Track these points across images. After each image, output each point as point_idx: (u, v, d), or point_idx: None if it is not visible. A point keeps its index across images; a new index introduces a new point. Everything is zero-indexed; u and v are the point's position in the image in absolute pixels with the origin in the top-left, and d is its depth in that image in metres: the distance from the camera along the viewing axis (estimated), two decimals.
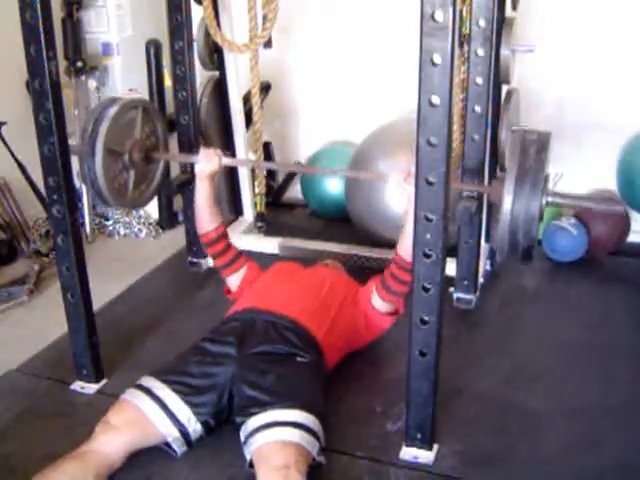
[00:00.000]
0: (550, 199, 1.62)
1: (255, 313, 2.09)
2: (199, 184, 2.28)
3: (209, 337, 2.04)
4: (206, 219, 2.30)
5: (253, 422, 1.72)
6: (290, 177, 3.87)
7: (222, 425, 1.87)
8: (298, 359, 1.94)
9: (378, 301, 2.19)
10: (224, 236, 2.34)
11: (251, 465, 1.68)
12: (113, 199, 2.13)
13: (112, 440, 1.73)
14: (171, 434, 1.79)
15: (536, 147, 1.60)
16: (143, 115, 2.25)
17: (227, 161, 2.36)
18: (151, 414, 1.78)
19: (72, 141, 2.08)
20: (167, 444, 1.81)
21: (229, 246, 2.35)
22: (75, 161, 2.04)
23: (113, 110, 2.10)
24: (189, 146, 2.88)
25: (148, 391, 1.82)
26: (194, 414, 1.81)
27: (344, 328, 2.17)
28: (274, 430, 1.68)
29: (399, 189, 2.03)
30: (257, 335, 1.98)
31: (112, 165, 2.12)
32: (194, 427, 1.81)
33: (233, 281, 2.35)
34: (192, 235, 2.96)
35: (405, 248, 2.00)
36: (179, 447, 1.81)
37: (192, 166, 2.88)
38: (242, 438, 1.74)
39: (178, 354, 2.01)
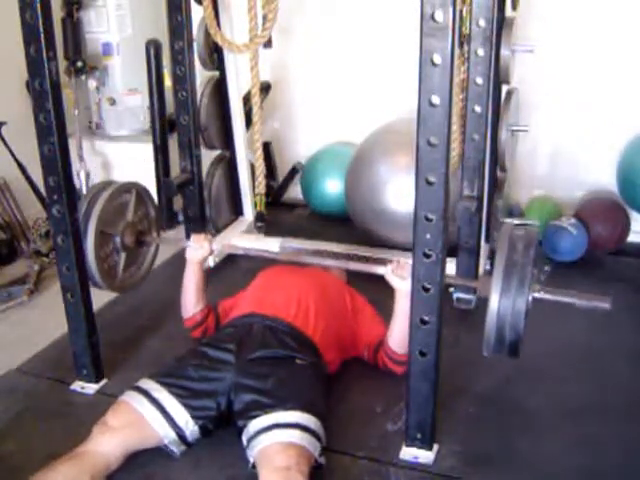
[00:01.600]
0: (537, 295, 1.64)
1: (252, 318, 2.09)
2: (189, 268, 2.26)
3: (208, 342, 2.04)
4: (193, 303, 2.28)
5: (254, 425, 1.72)
6: (290, 177, 3.87)
7: (220, 429, 1.87)
8: (297, 361, 1.94)
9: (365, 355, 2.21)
10: (208, 314, 2.31)
11: (254, 467, 1.68)
12: (103, 280, 2.15)
13: (109, 441, 1.73)
14: (168, 436, 1.79)
15: (524, 243, 1.63)
16: (136, 198, 2.28)
17: (217, 246, 2.34)
18: (148, 416, 1.78)
19: (72, 141, 2.08)
20: (165, 445, 1.81)
21: (210, 319, 2.32)
22: (75, 161, 2.04)
23: (107, 193, 2.13)
24: (189, 146, 2.88)
25: (146, 393, 1.82)
26: (192, 417, 1.81)
27: (341, 330, 2.17)
28: (275, 432, 1.68)
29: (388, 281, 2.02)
30: (254, 340, 1.98)
31: (103, 246, 2.14)
32: (191, 430, 1.81)
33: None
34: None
35: (395, 340, 2.04)
36: (177, 448, 1.81)
37: (192, 166, 2.90)
38: (244, 441, 1.74)
39: (177, 357, 2.01)
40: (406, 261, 1.93)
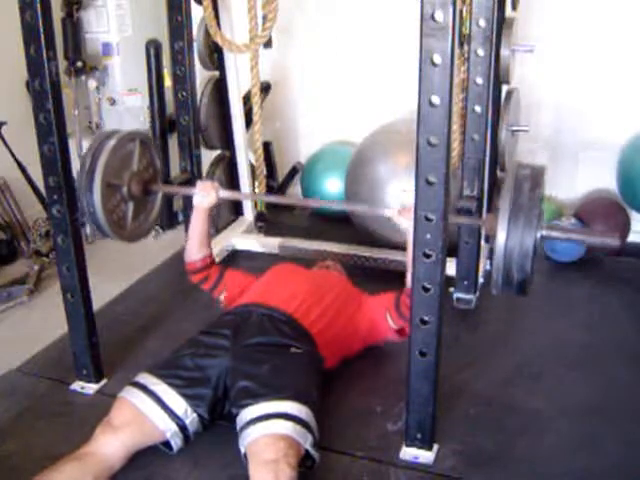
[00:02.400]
0: (545, 233, 1.62)
1: (251, 307, 2.10)
2: (195, 215, 2.30)
3: (204, 330, 2.06)
4: (195, 249, 2.32)
5: (245, 414, 1.72)
6: (290, 177, 3.87)
7: (219, 419, 1.87)
8: (292, 350, 1.94)
9: (390, 321, 2.19)
10: (209, 265, 2.35)
11: (247, 459, 1.68)
12: (112, 231, 2.14)
13: (111, 441, 1.73)
14: (170, 429, 1.79)
15: (530, 181, 1.61)
16: (141, 147, 2.27)
17: (225, 194, 2.37)
18: (148, 412, 1.78)
19: (72, 141, 2.08)
20: (165, 442, 1.81)
21: (211, 272, 2.35)
22: (75, 161, 2.04)
23: (111, 143, 2.12)
24: (189, 146, 2.88)
25: (144, 387, 1.83)
26: (190, 406, 1.82)
27: (341, 329, 2.17)
28: (265, 423, 1.68)
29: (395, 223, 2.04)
30: (251, 327, 2.00)
31: (111, 198, 2.14)
32: (191, 419, 1.82)
33: (220, 297, 2.36)
34: None
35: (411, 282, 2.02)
36: (177, 442, 1.81)
37: (192, 166, 2.90)
38: (238, 430, 1.74)
39: (175, 349, 2.02)
40: (411, 204, 1.94)
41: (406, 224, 1.98)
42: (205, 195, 2.25)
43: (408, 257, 2.01)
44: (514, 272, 1.59)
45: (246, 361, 1.88)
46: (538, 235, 1.58)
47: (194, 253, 2.33)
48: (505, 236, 1.56)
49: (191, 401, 1.82)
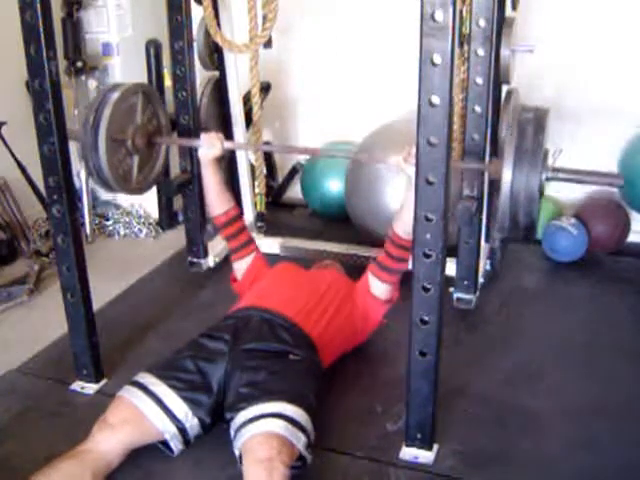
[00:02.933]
0: (550, 174, 1.61)
1: (252, 311, 2.10)
2: (203, 170, 2.30)
3: (206, 333, 2.05)
4: (214, 204, 2.33)
5: (240, 417, 1.72)
6: (290, 177, 3.87)
7: (219, 422, 1.87)
8: (291, 357, 1.94)
9: (376, 285, 2.20)
10: (234, 220, 2.36)
11: (242, 462, 1.68)
12: (119, 185, 2.15)
13: (109, 439, 1.73)
14: (169, 431, 1.79)
15: (534, 123, 1.59)
16: (144, 100, 2.26)
17: (229, 145, 2.37)
18: (148, 411, 1.78)
19: (72, 141, 2.08)
20: (164, 443, 1.81)
21: (240, 231, 2.37)
22: (75, 161, 2.04)
23: (114, 96, 2.10)
24: (185, 146, 2.87)
25: (144, 388, 1.82)
26: (191, 409, 1.81)
27: (341, 328, 2.17)
28: (258, 422, 1.68)
29: (400, 170, 2.02)
30: (250, 332, 1.99)
31: (116, 152, 2.13)
32: (191, 423, 1.81)
33: (239, 267, 2.38)
34: (192, 235, 2.96)
35: (404, 224, 2.00)
36: (176, 445, 1.81)
37: (192, 166, 2.89)
38: (232, 434, 1.74)
39: (175, 350, 2.02)
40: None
41: (411, 170, 1.93)
42: (210, 146, 2.25)
43: (407, 199, 1.97)
44: (520, 215, 1.58)
45: (243, 367, 1.87)
46: (543, 177, 1.57)
47: (215, 208, 2.33)
48: (511, 178, 1.55)
49: (192, 405, 1.82)
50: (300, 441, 1.68)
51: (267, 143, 3.63)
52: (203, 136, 2.29)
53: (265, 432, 1.65)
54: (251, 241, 2.41)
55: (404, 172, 2.00)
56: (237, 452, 1.70)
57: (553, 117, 3.37)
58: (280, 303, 2.11)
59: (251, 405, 1.73)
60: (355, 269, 2.74)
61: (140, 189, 2.31)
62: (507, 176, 1.56)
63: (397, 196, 2.83)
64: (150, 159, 2.34)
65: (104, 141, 2.05)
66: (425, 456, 1.83)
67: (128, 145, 2.19)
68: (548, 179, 1.60)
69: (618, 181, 1.64)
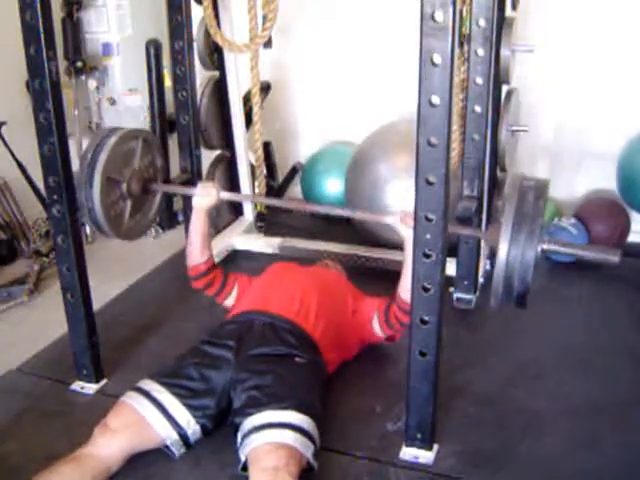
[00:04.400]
0: (546, 247, 1.63)
1: (253, 315, 2.09)
2: (195, 217, 2.26)
3: (208, 340, 2.04)
4: (197, 252, 2.28)
5: (248, 423, 1.72)
6: (290, 177, 3.87)
7: (220, 429, 1.87)
8: (297, 359, 1.94)
9: (377, 327, 2.20)
10: (213, 267, 2.32)
11: (243, 468, 1.68)
12: (109, 227, 2.14)
13: (110, 443, 1.73)
14: (170, 437, 1.79)
15: (533, 194, 1.61)
16: (143, 145, 2.27)
17: (225, 195, 2.34)
18: (150, 417, 1.78)
19: (72, 141, 2.09)
20: (165, 446, 1.81)
21: (216, 274, 2.33)
22: (75, 161, 2.04)
23: (113, 139, 2.12)
24: (189, 146, 2.88)
25: (147, 394, 1.82)
26: (193, 417, 1.81)
27: (342, 329, 2.17)
28: (267, 432, 1.68)
29: (397, 230, 2.02)
30: (255, 337, 1.99)
31: (110, 193, 2.13)
32: (193, 429, 1.81)
33: (229, 302, 2.34)
34: None
35: (405, 290, 2.01)
36: (177, 449, 1.81)
37: (192, 166, 2.90)
38: (238, 439, 1.74)
39: (177, 356, 2.01)
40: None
41: (406, 232, 1.96)
42: (205, 196, 2.23)
43: (405, 265, 2.00)
44: (514, 286, 1.60)
45: (250, 372, 1.86)
46: (539, 248, 1.59)
47: (197, 256, 2.28)
48: (507, 250, 1.58)
49: (194, 412, 1.82)
50: (309, 450, 1.69)
51: (267, 143, 3.63)
52: (200, 185, 2.27)
53: (273, 442, 1.65)
54: (227, 275, 2.35)
55: (400, 233, 2.00)
56: (243, 457, 1.69)
57: (553, 116, 3.38)
58: (279, 304, 2.10)
59: (259, 411, 1.72)
60: (355, 269, 2.74)
61: (130, 234, 2.30)
62: (504, 247, 1.58)
63: (397, 196, 2.84)
64: (143, 206, 2.35)
65: (100, 178, 2.05)
66: (425, 456, 1.82)
67: (123, 188, 2.19)
68: (544, 251, 1.62)
69: (613, 258, 1.66)
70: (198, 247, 2.27)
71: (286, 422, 1.69)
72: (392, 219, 2.02)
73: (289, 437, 1.66)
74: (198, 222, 2.26)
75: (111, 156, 2.09)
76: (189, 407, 1.81)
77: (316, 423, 1.75)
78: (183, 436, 1.80)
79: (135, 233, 2.34)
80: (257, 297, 2.21)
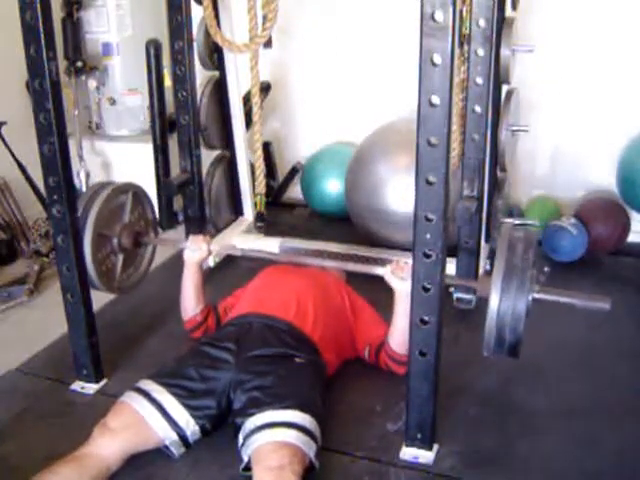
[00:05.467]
0: (537, 296, 1.64)
1: (251, 317, 2.09)
2: (187, 271, 2.27)
3: (208, 341, 2.04)
4: (192, 305, 2.29)
5: (251, 423, 1.72)
6: (290, 177, 3.87)
7: (220, 429, 1.87)
8: (296, 360, 1.94)
9: (367, 357, 2.20)
10: (207, 313, 2.32)
11: (245, 469, 1.68)
12: (101, 282, 2.15)
13: (109, 444, 1.73)
14: (169, 437, 1.79)
15: (523, 244, 1.63)
16: (133, 199, 2.28)
17: (216, 248, 2.34)
18: (149, 418, 1.78)
19: (72, 141, 2.09)
20: (165, 446, 1.81)
21: (210, 318, 2.33)
22: (75, 161, 2.04)
23: (103, 195, 2.13)
24: (189, 146, 2.88)
25: (147, 394, 1.82)
26: (192, 417, 1.81)
27: (341, 330, 2.17)
28: (271, 431, 1.68)
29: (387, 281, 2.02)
30: (254, 339, 1.99)
31: (101, 248, 2.15)
32: (192, 430, 1.81)
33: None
34: (192, 235, 2.95)
35: (395, 341, 2.04)
36: (177, 449, 1.81)
37: (192, 166, 2.90)
38: (240, 440, 1.74)
39: (177, 357, 2.01)
40: (405, 261, 1.93)
41: (397, 284, 1.96)
42: (196, 249, 2.23)
43: (395, 317, 2.01)
44: (506, 335, 1.62)
45: (251, 373, 1.87)
46: (530, 297, 1.60)
47: (192, 309, 2.29)
48: (498, 301, 1.60)
49: (194, 412, 1.82)
50: (312, 449, 1.69)
51: (267, 143, 3.63)
52: (191, 238, 2.28)
53: (277, 441, 1.65)
54: (218, 313, 2.34)
55: (390, 285, 1.99)
56: (245, 457, 1.69)
57: (553, 116, 3.38)
58: (277, 307, 2.10)
59: (261, 411, 1.73)
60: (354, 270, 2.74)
61: (122, 289, 2.31)
62: (495, 299, 1.60)
63: (397, 196, 2.84)
64: (135, 259, 2.36)
65: (90, 234, 2.06)
66: (425, 456, 1.83)
67: (114, 242, 2.20)
68: (535, 300, 1.63)
69: (605, 305, 1.68)
70: (192, 301, 2.28)
71: (289, 421, 1.70)
72: (383, 270, 2.02)
73: (292, 436, 1.66)
74: (190, 275, 2.27)
75: (101, 212, 2.11)
76: (188, 407, 1.81)
77: (318, 422, 1.75)
78: (182, 437, 1.80)
79: (128, 287, 2.35)
80: (254, 299, 2.21)
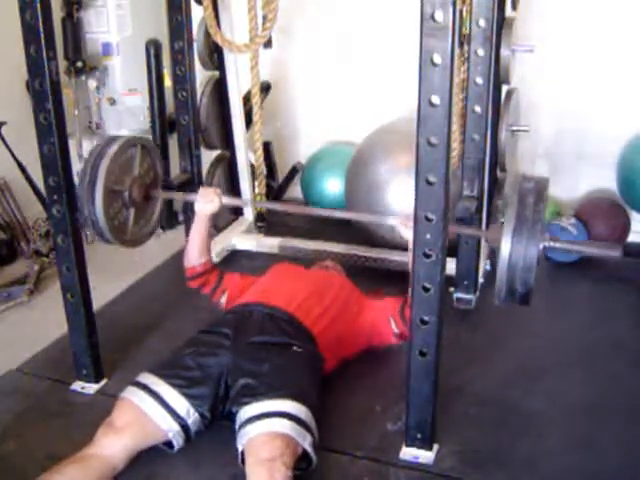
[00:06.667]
0: (548, 244, 1.63)
1: (252, 306, 2.10)
2: (197, 222, 2.28)
3: (205, 329, 2.06)
4: (196, 255, 2.30)
5: (245, 412, 1.73)
6: (290, 177, 3.87)
7: (220, 417, 1.87)
8: (294, 348, 1.94)
9: (393, 326, 2.18)
10: (209, 269, 2.34)
11: (243, 461, 1.68)
12: (114, 236, 2.14)
13: (114, 443, 1.73)
14: (171, 429, 1.79)
15: (534, 193, 1.62)
16: (142, 152, 2.27)
17: (227, 200, 2.35)
18: (150, 411, 1.78)
19: (72, 141, 2.08)
20: (166, 441, 1.81)
21: (211, 275, 2.34)
22: (75, 161, 2.04)
23: (112, 150, 2.12)
24: (189, 146, 2.88)
25: (146, 387, 1.83)
26: (192, 406, 1.82)
27: (343, 330, 2.17)
28: (264, 422, 1.68)
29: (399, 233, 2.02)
30: (253, 326, 2.00)
31: (112, 205, 2.14)
32: (193, 419, 1.82)
33: (222, 300, 2.35)
34: None
35: None
36: (178, 441, 1.81)
37: (192, 166, 2.90)
38: (236, 428, 1.74)
39: (175, 348, 2.02)
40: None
41: (409, 234, 1.95)
42: (207, 202, 2.24)
43: (411, 266, 2.00)
44: (517, 284, 1.60)
45: (247, 359, 1.88)
46: (541, 246, 1.59)
47: (195, 259, 2.31)
48: (509, 249, 1.57)
49: (193, 401, 1.82)
50: (306, 440, 1.69)
51: (267, 143, 3.63)
52: (201, 191, 2.28)
53: (269, 432, 1.66)
54: (221, 277, 2.36)
55: (402, 236, 2.00)
56: (240, 447, 1.70)
57: (553, 116, 3.38)
58: (280, 298, 2.11)
59: (256, 400, 1.73)
60: (355, 269, 2.74)
61: (135, 241, 2.31)
62: (506, 246, 1.58)
63: (397, 196, 2.84)
64: (146, 212, 2.35)
65: (101, 191, 2.05)
66: (425, 456, 1.83)
67: (125, 197, 2.20)
68: (546, 248, 1.62)
69: (615, 253, 1.66)
70: (197, 250, 2.30)
71: (282, 411, 1.70)
72: (395, 221, 2.03)
73: (285, 426, 1.67)
74: (200, 228, 2.28)
75: (111, 168, 2.09)
76: (187, 396, 1.82)
77: (313, 413, 1.75)
78: (184, 426, 1.80)
79: (140, 239, 2.35)
80: (258, 291, 2.22)
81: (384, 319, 2.18)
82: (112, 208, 2.14)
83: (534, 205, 1.61)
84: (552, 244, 1.64)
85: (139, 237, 2.33)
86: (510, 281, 1.60)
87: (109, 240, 2.15)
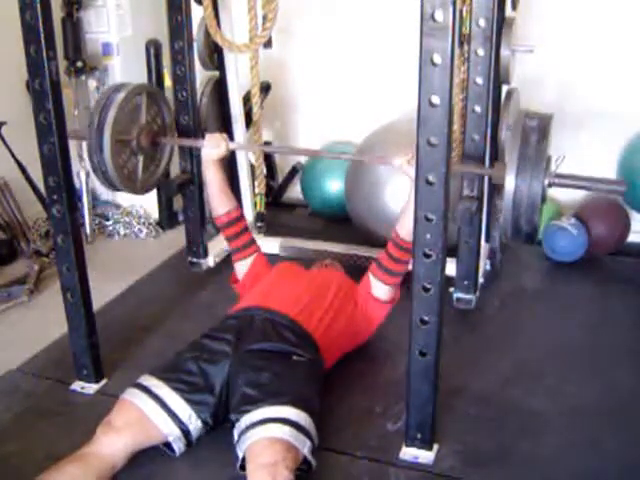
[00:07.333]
0: (552, 180, 1.62)
1: (254, 311, 2.09)
2: (206, 170, 2.29)
3: (207, 334, 2.05)
4: (216, 203, 2.33)
5: (245, 420, 1.72)
6: (290, 177, 3.87)
7: (222, 423, 1.87)
8: (294, 358, 1.94)
9: (377, 286, 2.20)
10: (236, 220, 2.35)
11: (242, 467, 1.68)
12: (124, 185, 2.16)
13: (113, 442, 1.73)
14: (172, 433, 1.79)
15: (537, 129, 1.61)
16: (148, 100, 2.26)
17: (234, 145, 2.37)
18: (152, 414, 1.78)
19: (72, 141, 2.08)
20: (167, 444, 1.81)
21: (242, 231, 2.36)
22: (75, 161, 2.04)
23: (119, 97, 2.11)
24: (189, 146, 2.87)
25: (148, 390, 1.82)
26: (194, 412, 1.81)
27: (343, 328, 2.17)
28: (264, 427, 1.68)
29: (402, 172, 2.02)
30: (255, 332, 1.99)
31: (121, 152, 2.14)
32: (195, 425, 1.82)
33: (241, 268, 2.38)
34: (192, 235, 2.96)
35: (406, 229, 1.99)
36: (179, 446, 1.81)
37: (192, 166, 2.89)
38: (235, 436, 1.74)
39: (177, 351, 2.01)
40: None
41: (412, 172, 1.92)
42: (214, 147, 2.24)
43: (409, 207, 1.93)
44: (522, 222, 1.60)
45: (247, 368, 1.87)
46: (546, 182, 1.59)
47: (217, 208, 2.32)
48: (514, 185, 1.57)
49: (196, 407, 1.82)
50: (305, 446, 1.69)
51: (267, 143, 3.63)
52: (208, 136, 2.29)
53: (270, 437, 1.65)
54: (252, 242, 2.40)
55: (406, 174, 1.99)
56: (241, 454, 1.69)
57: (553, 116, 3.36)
58: (282, 302, 2.10)
59: (256, 408, 1.73)
60: (355, 269, 2.74)
61: (144, 188, 2.32)
62: (510, 182, 1.57)
63: (397, 196, 2.84)
64: (155, 159, 2.35)
65: (109, 142, 2.06)
66: (425, 456, 1.83)
67: (133, 145, 2.19)
68: (550, 185, 1.61)
69: (621, 188, 1.65)
70: (216, 198, 2.32)
71: (282, 417, 1.70)
72: (399, 161, 2.01)
73: (285, 432, 1.66)
74: (210, 173, 2.29)
75: (118, 117, 2.08)
76: (189, 402, 1.82)
77: (313, 419, 1.75)
78: (185, 432, 1.80)
79: (150, 185, 2.36)
80: (260, 294, 2.21)
81: (366, 289, 2.20)
82: (121, 157, 2.14)
83: (538, 141, 1.60)
84: (557, 180, 1.63)
85: (149, 184, 2.34)
86: (515, 219, 1.60)
87: (120, 189, 2.15)
